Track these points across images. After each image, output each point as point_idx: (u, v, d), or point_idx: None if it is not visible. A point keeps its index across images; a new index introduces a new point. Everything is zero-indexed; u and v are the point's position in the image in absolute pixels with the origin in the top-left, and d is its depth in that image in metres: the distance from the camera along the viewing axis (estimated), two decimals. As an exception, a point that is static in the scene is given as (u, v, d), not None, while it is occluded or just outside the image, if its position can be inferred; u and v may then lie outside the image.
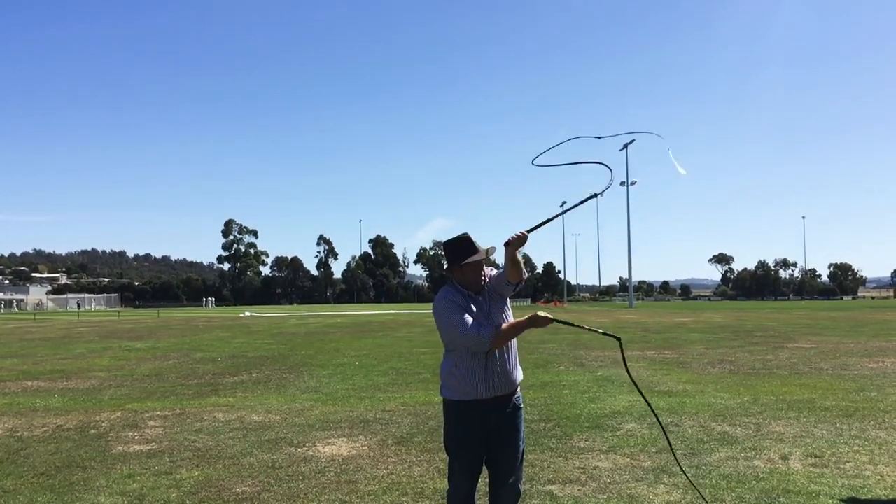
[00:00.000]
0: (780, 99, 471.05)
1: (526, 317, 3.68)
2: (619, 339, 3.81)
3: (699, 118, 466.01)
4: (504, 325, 3.71)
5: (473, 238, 3.84)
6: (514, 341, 3.90)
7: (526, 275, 3.82)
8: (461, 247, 3.76)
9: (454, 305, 3.70)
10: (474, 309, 3.73)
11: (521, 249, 3.70)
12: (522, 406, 3.95)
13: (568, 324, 4.04)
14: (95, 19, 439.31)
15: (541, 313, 3.66)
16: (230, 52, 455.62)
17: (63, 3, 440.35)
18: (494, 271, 3.91)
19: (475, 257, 3.72)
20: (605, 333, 3.92)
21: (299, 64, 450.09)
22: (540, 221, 3.85)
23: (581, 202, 3.95)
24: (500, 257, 3.84)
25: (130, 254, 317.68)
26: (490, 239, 3.95)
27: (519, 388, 3.93)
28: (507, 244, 3.67)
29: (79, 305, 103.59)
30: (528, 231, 3.71)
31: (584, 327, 4.10)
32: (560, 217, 3.97)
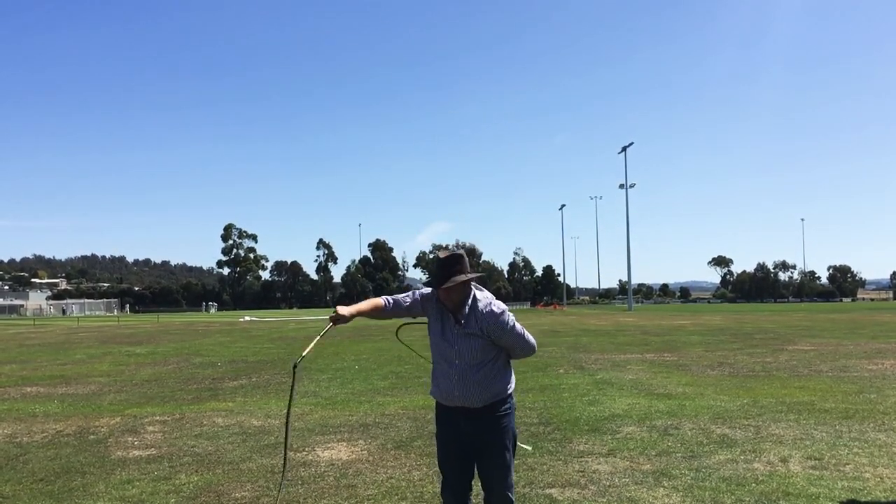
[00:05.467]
0: (779, 101, 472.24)
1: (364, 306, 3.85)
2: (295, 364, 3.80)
3: (698, 121, 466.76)
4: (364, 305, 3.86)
5: (465, 258, 3.77)
6: (500, 353, 3.80)
7: (534, 348, 3.90)
8: (435, 270, 3.71)
9: (422, 295, 3.89)
10: (440, 322, 3.77)
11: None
12: (509, 414, 3.81)
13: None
14: (94, 24, 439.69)
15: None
16: (229, 57, 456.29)
17: (63, 8, 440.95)
18: (492, 305, 3.78)
19: (446, 283, 3.64)
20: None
21: (299, 68, 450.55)
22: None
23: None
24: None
25: (130, 259, 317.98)
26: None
27: (508, 399, 3.82)
28: None
29: (63, 311, 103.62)
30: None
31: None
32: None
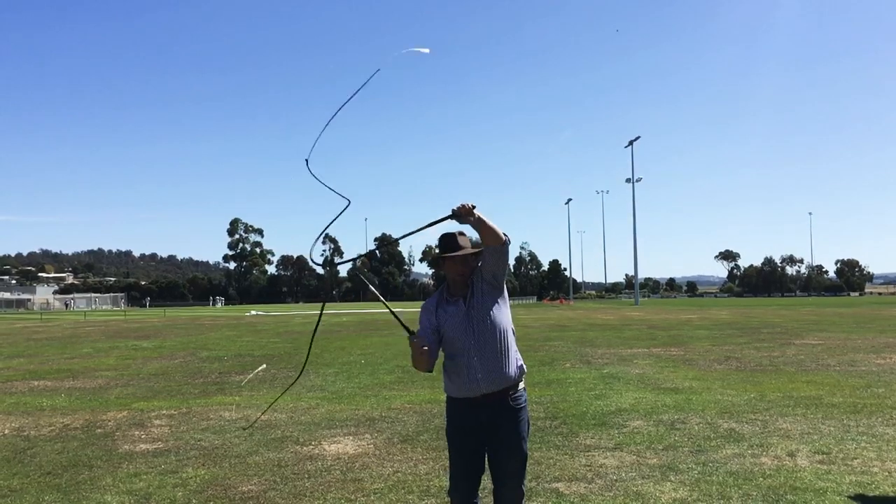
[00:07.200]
0: (787, 95, 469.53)
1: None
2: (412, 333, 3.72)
3: (704, 115, 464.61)
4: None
5: (467, 235, 3.86)
6: (509, 336, 3.80)
7: (504, 237, 3.67)
8: (442, 243, 3.84)
9: (427, 311, 3.86)
10: (447, 313, 3.76)
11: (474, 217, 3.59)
12: (524, 406, 3.82)
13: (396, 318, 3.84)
14: (99, 19, 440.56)
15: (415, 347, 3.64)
16: (235, 51, 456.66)
17: (67, 4, 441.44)
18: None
19: (459, 251, 3.76)
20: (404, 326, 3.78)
21: (304, 62, 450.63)
22: (410, 231, 3.84)
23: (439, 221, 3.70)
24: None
25: (136, 253, 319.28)
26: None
27: (519, 388, 3.81)
28: (454, 216, 3.62)
29: (67, 305, 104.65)
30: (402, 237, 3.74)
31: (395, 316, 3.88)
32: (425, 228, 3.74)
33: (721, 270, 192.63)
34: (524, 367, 3.92)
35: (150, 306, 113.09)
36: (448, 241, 3.81)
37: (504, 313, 3.82)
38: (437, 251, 3.86)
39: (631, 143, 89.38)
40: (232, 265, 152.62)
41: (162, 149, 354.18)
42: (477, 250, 3.79)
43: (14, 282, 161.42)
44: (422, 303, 3.97)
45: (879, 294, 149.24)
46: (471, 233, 3.87)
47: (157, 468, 6.25)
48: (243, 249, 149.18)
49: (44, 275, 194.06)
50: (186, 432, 7.79)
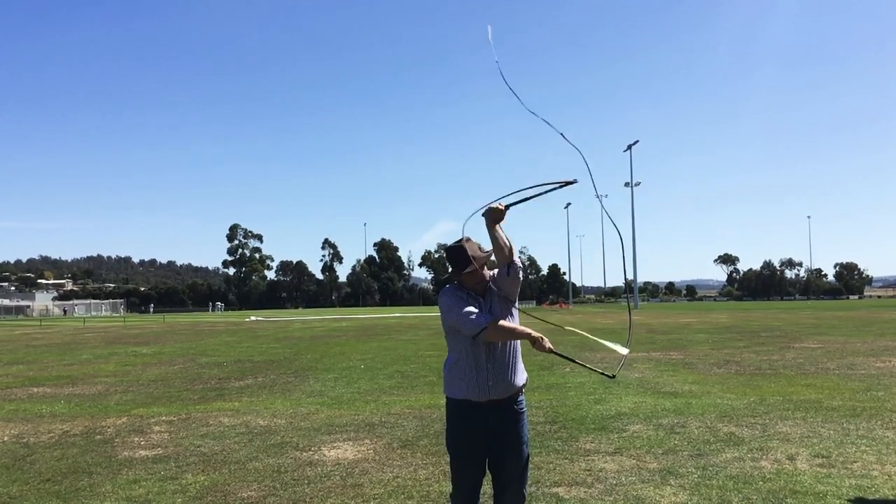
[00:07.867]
0: (785, 97, 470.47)
1: (529, 330, 3.70)
2: (613, 377, 4.03)
3: (703, 118, 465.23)
4: (505, 322, 3.69)
5: (473, 240, 3.84)
6: (518, 345, 3.87)
7: (515, 256, 3.74)
8: (456, 257, 3.76)
9: (457, 296, 3.78)
10: (474, 307, 3.76)
11: (501, 224, 3.67)
12: (525, 410, 3.89)
13: (566, 357, 4.07)
14: (97, 24, 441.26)
15: (546, 343, 3.64)
16: (233, 56, 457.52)
17: (66, 8, 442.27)
18: (495, 271, 3.88)
19: (469, 268, 3.70)
20: (602, 373, 4.07)
21: (304, 67, 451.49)
22: (519, 199, 3.79)
23: (559, 186, 3.80)
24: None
25: (136, 259, 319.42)
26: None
27: (522, 393, 3.88)
28: (484, 215, 3.67)
29: (65, 312, 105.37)
30: (506, 207, 3.66)
31: (580, 363, 4.17)
32: (538, 196, 3.80)
33: (720, 274, 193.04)
34: (527, 377, 3.98)
35: (138, 311, 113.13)
36: (459, 255, 3.74)
37: (516, 324, 3.84)
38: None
39: (629, 147, 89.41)
40: (231, 271, 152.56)
41: (161, 154, 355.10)
42: (488, 251, 3.80)
43: (13, 288, 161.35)
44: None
45: (878, 297, 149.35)
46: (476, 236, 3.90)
47: (157, 474, 6.24)
48: (242, 255, 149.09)
49: (43, 281, 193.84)
50: (186, 438, 7.79)
